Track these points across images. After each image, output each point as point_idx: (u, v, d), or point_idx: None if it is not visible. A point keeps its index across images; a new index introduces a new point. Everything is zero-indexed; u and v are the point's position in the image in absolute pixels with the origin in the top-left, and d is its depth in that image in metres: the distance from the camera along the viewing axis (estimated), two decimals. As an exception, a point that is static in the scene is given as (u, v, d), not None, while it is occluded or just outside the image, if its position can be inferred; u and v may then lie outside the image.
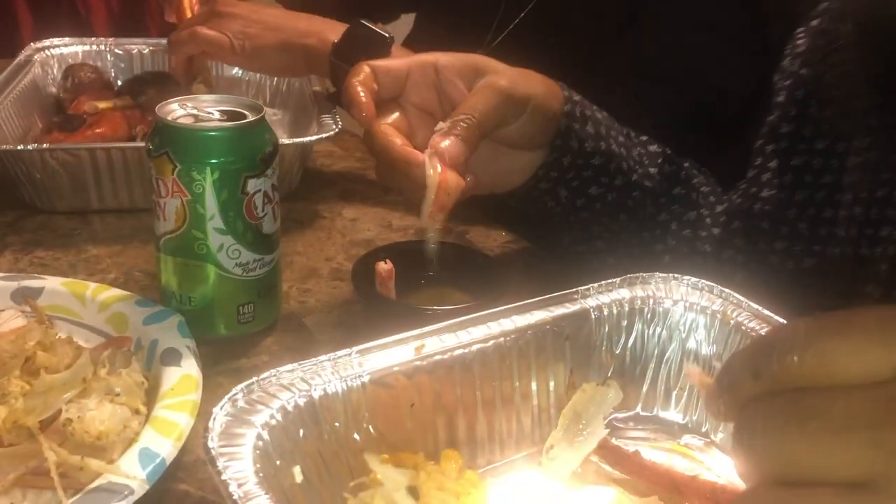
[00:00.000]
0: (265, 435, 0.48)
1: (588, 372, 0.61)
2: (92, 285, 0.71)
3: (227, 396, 0.49)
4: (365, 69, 0.71)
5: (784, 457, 0.31)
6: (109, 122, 1.02)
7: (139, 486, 0.51)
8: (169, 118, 0.65)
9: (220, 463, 0.45)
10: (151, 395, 0.59)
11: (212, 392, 0.62)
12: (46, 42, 1.21)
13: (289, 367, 0.52)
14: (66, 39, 1.23)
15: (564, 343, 0.60)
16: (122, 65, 1.25)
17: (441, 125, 0.68)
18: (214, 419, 0.47)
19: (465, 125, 0.67)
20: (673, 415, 0.63)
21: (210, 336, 0.69)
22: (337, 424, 0.52)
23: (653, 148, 0.83)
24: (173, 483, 0.56)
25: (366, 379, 0.53)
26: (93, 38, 1.25)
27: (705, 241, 0.81)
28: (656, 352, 0.63)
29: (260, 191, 0.67)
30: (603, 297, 0.63)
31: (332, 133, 0.95)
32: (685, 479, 0.55)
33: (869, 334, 0.31)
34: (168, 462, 0.53)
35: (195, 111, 0.67)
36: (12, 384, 0.56)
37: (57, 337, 0.63)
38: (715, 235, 0.81)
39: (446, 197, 0.66)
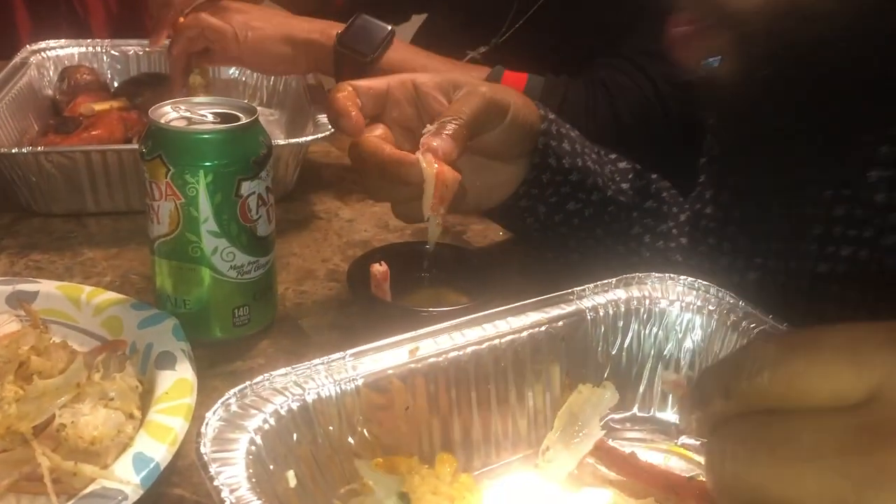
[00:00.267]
0: (258, 439, 0.48)
1: (584, 373, 0.61)
2: (87, 289, 0.71)
3: (220, 401, 0.49)
4: (347, 87, 0.72)
5: (754, 482, 0.31)
6: (105, 124, 1.02)
7: (133, 491, 0.51)
8: (162, 121, 0.65)
9: (213, 468, 0.45)
10: (146, 399, 0.59)
11: (207, 395, 0.62)
12: (42, 44, 1.20)
13: (282, 370, 0.52)
14: (63, 41, 1.22)
15: (560, 344, 0.60)
16: (119, 66, 1.25)
17: (429, 127, 0.69)
18: (207, 424, 0.47)
19: (453, 125, 0.69)
20: (669, 416, 0.62)
21: (205, 339, 0.69)
22: (331, 428, 0.52)
23: (622, 165, 0.85)
24: (168, 488, 0.56)
25: (360, 382, 0.53)
26: (89, 40, 1.25)
27: (675, 251, 0.83)
28: (653, 352, 0.63)
29: (254, 193, 0.67)
30: (599, 297, 0.63)
31: (328, 133, 0.95)
32: (681, 480, 0.55)
33: (838, 355, 0.31)
34: (162, 467, 0.53)
35: (188, 114, 0.67)
36: (6, 389, 0.56)
37: (51, 341, 0.63)
38: (683, 245, 0.82)
39: (445, 189, 0.67)
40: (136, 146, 0.90)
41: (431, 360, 0.55)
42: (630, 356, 0.63)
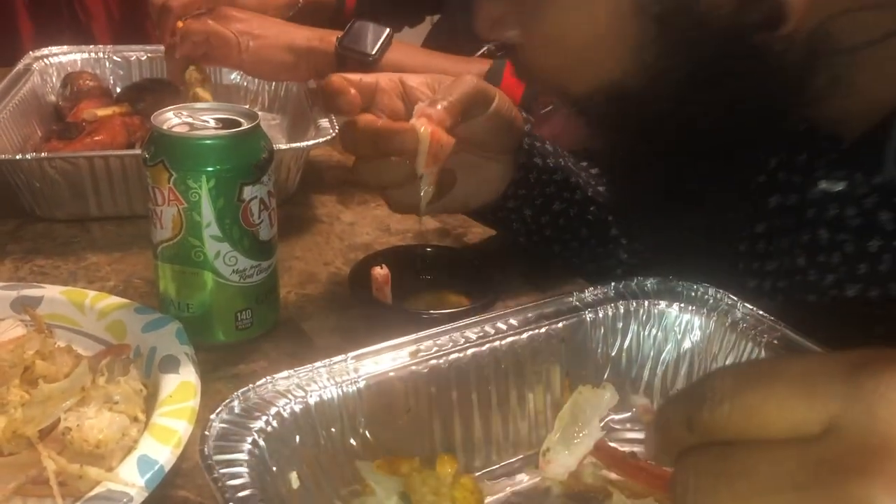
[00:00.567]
0: (261, 441, 0.49)
1: (584, 374, 0.61)
2: (91, 293, 0.72)
3: (223, 403, 0.49)
4: (341, 76, 0.73)
5: None
6: (108, 130, 1.02)
7: (138, 493, 0.51)
8: (164, 127, 0.66)
9: (217, 470, 0.45)
10: (150, 402, 0.60)
11: (210, 398, 0.62)
12: (45, 50, 1.21)
13: (284, 373, 0.52)
14: (65, 47, 1.23)
15: (560, 346, 0.61)
16: (121, 72, 1.26)
17: (421, 104, 0.69)
18: (210, 426, 0.48)
19: (445, 101, 0.70)
20: (669, 416, 0.63)
21: (208, 343, 0.70)
22: (333, 430, 0.52)
23: (594, 170, 0.88)
24: (172, 490, 0.56)
25: (361, 384, 0.53)
26: (91, 46, 1.26)
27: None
28: (652, 353, 0.63)
29: (256, 198, 0.67)
30: (598, 299, 0.63)
31: (329, 137, 0.95)
32: (681, 480, 0.55)
33: (793, 387, 0.31)
34: (167, 469, 0.54)
35: (190, 119, 0.68)
36: (11, 393, 0.57)
37: (56, 346, 0.64)
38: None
39: (439, 148, 0.68)
40: (138, 151, 0.90)
41: (432, 362, 0.56)
42: (630, 357, 0.63)
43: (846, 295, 0.62)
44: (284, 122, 1.20)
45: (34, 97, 1.12)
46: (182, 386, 0.60)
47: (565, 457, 0.58)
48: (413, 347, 0.56)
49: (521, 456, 0.59)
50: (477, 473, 0.57)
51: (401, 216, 0.97)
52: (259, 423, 0.49)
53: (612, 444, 0.59)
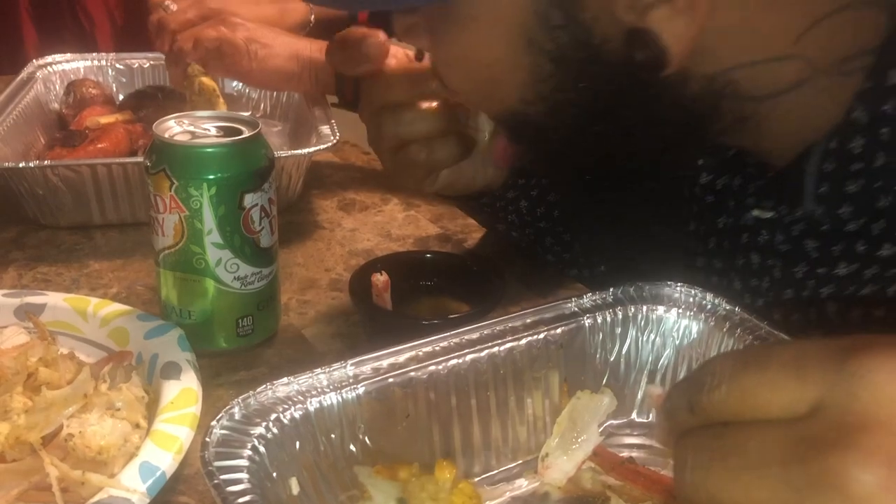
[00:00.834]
0: (261, 448, 0.49)
1: (583, 380, 0.62)
2: (94, 300, 0.72)
3: (223, 410, 0.50)
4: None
5: (710, 490, 0.34)
6: (111, 137, 1.03)
7: (140, 499, 0.52)
8: (166, 135, 0.66)
9: (218, 476, 0.46)
10: (152, 408, 0.60)
11: (212, 405, 0.63)
12: (49, 58, 1.22)
13: (284, 380, 0.53)
14: (68, 55, 1.24)
15: (558, 351, 0.61)
16: (124, 79, 1.27)
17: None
18: (211, 433, 0.48)
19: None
20: (668, 421, 0.63)
21: (210, 349, 0.70)
22: (333, 436, 0.53)
23: None
24: (174, 496, 0.57)
25: (360, 391, 0.54)
26: (94, 54, 1.27)
27: None
28: (650, 359, 0.64)
29: (257, 205, 0.68)
30: (597, 304, 0.63)
31: (330, 144, 0.96)
32: (679, 484, 0.56)
33: (785, 370, 0.34)
34: (168, 475, 0.54)
35: (192, 128, 0.68)
36: (14, 400, 0.57)
37: (59, 353, 0.64)
38: None
39: None
40: (140, 159, 0.91)
41: (431, 368, 0.56)
42: (628, 362, 0.64)
43: (773, 318, 0.63)
44: (286, 129, 1.20)
45: (38, 105, 1.13)
46: (183, 392, 0.61)
47: (564, 462, 0.58)
48: (412, 353, 0.56)
49: (519, 461, 0.59)
50: (476, 479, 0.57)
51: (402, 222, 0.98)
52: (259, 430, 0.50)
53: (611, 449, 0.60)
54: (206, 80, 1.00)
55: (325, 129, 0.99)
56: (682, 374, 0.63)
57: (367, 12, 1.38)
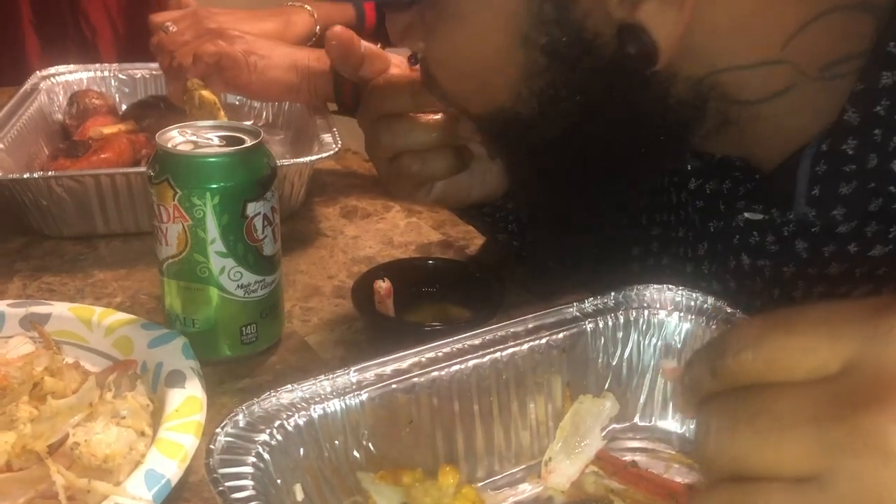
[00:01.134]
0: (266, 455, 0.49)
1: (585, 384, 0.62)
2: (98, 310, 0.73)
3: (228, 417, 0.50)
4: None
5: (735, 453, 0.32)
6: (114, 147, 1.04)
7: (145, 507, 0.52)
8: (168, 145, 0.67)
9: (223, 484, 0.46)
10: (157, 416, 0.61)
11: (217, 412, 0.63)
12: (52, 70, 1.23)
13: (288, 387, 0.53)
14: (71, 66, 1.25)
15: (561, 356, 0.61)
16: (127, 90, 1.28)
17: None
18: (216, 440, 0.49)
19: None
20: (671, 424, 0.63)
21: (214, 357, 0.70)
22: (336, 443, 0.53)
23: None
24: (179, 503, 0.57)
25: (364, 397, 0.54)
26: (97, 65, 1.27)
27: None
28: (653, 362, 0.64)
29: (260, 214, 0.68)
30: (599, 308, 0.64)
31: (332, 152, 0.96)
32: (682, 488, 0.56)
33: (816, 329, 0.33)
34: (173, 483, 0.55)
35: (194, 137, 0.69)
36: (21, 410, 0.58)
37: (64, 362, 0.65)
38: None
39: None
40: (143, 168, 0.92)
41: (434, 374, 0.57)
42: (630, 366, 0.64)
43: None
44: (288, 137, 1.21)
45: (41, 116, 1.14)
46: (188, 400, 0.61)
47: (567, 466, 0.59)
48: (415, 359, 0.57)
49: (523, 466, 0.60)
50: (479, 484, 0.57)
51: (404, 229, 0.99)
52: (263, 437, 0.50)
53: (614, 453, 0.60)
54: (206, 93, 1.00)
55: (327, 137, 1.00)
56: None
57: (374, 20, 1.39)
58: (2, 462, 0.55)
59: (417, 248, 0.95)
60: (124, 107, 1.25)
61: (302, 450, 0.52)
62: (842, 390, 0.31)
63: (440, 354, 0.58)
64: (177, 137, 0.68)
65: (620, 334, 0.64)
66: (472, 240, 0.96)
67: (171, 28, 1.08)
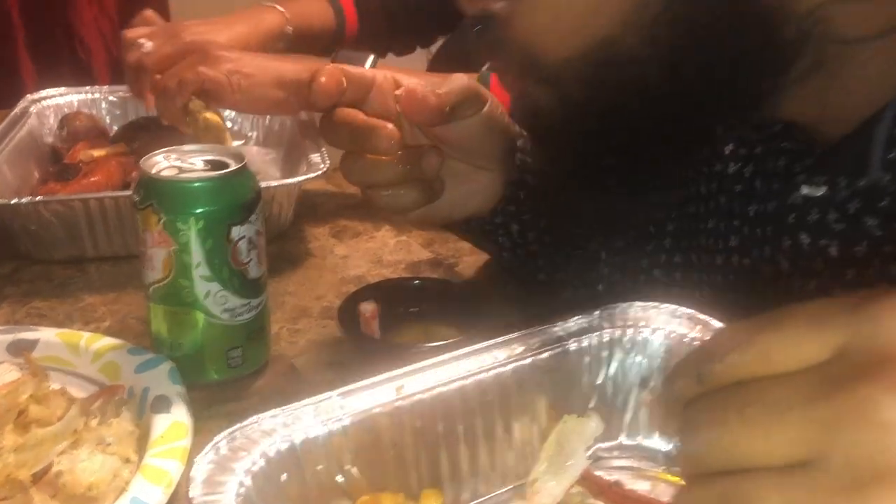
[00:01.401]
0: (248, 481, 0.49)
1: (570, 403, 0.62)
2: (86, 335, 0.73)
3: (209, 444, 0.50)
4: (336, 68, 0.73)
5: (726, 444, 0.32)
6: (104, 170, 1.04)
7: (129, 534, 0.52)
8: (153, 171, 0.67)
9: (205, 511, 0.46)
10: (143, 442, 0.61)
11: (203, 437, 0.63)
12: (43, 93, 1.23)
13: (271, 412, 0.53)
14: (62, 89, 1.25)
15: (545, 376, 0.61)
16: (118, 111, 1.28)
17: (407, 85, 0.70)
18: (197, 468, 0.49)
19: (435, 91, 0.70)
20: (656, 442, 0.63)
21: (201, 381, 0.71)
22: (319, 468, 0.53)
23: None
24: (164, 530, 0.57)
25: (347, 422, 0.54)
26: (87, 87, 1.28)
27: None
28: (638, 381, 0.64)
29: (244, 237, 0.68)
30: (583, 327, 0.64)
31: (321, 172, 0.97)
32: (667, 507, 0.56)
33: (804, 324, 0.33)
34: (158, 510, 0.55)
35: (179, 162, 0.69)
36: (5, 438, 0.58)
37: (50, 389, 0.65)
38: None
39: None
40: (121, 195, 0.92)
41: (418, 396, 0.57)
42: (616, 385, 0.64)
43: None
44: (279, 156, 1.21)
45: (32, 139, 1.14)
46: (174, 426, 0.61)
47: (552, 487, 0.58)
48: (399, 382, 0.57)
49: (508, 487, 0.60)
50: (465, 506, 0.58)
51: (393, 248, 0.99)
52: (246, 463, 0.50)
53: (599, 473, 0.60)
54: (210, 115, 1.01)
55: (315, 157, 1.00)
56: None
57: (356, 21, 1.38)
58: (-14, 491, 0.55)
59: (407, 267, 0.95)
60: (115, 128, 1.25)
61: (285, 475, 0.52)
62: (832, 373, 0.31)
63: (423, 376, 0.58)
64: (161, 163, 0.69)
65: (605, 353, 0.64)
66: (462, 257, 0.97)
67: (147, 45, 1.08)
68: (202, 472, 0.48)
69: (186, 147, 0.71)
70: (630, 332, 0.64)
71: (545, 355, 0.62)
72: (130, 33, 1.12)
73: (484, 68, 1.08)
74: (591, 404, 0.63)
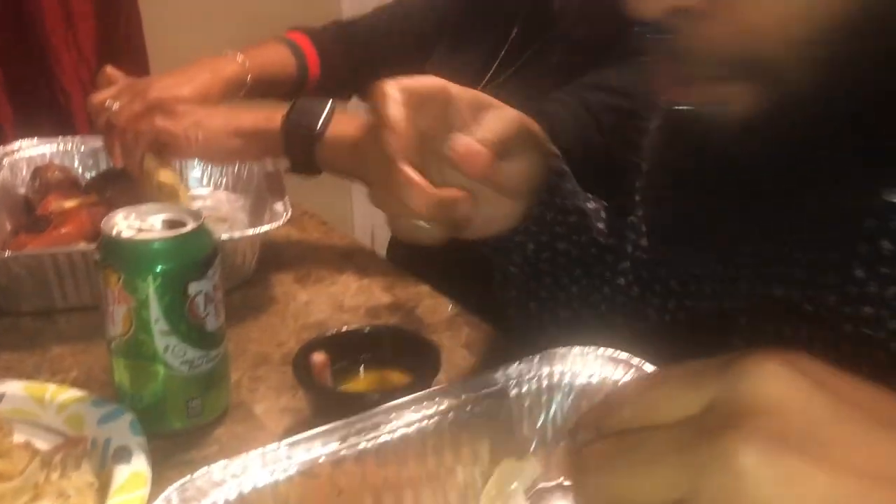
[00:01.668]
0: (196, 532, 0.52)
1: (510, 448, 0.65)
2: (51, 387, 0.76)
3: (161, 497, 0.53)
4: (398, 90, 0.65)
5: (613, 489, 0.36)
6: (75, 221, 1.07)
7: (86, 584, 0.55)
8: (112, 232, 0.70)
9: (153, 562, 0.49)
10: (103, 494, 0.64)
11: (163, 487, 0.65)
12: (15, 144, 1.26)
13: (221, 462, 0.56)
14: (35, 140, 1.28)
15: (486, 421, 0.65)
16: (90, 161, 1.31)
17: (460, 138, 0.66)
18: (148, 520, 0.52)
19: (486, 136, 0.67)
20: (594, 482, 0.66)
21: (163, 431, 0.74)
22: (266, 516, 0.56)
23: (591, 205, 0.86)
24: (122, 578, 0.60)
25: (293, 471, 0.57)
26: (60, 137, 1.31)
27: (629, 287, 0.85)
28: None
29: (202, 292, 0.72)
30: (523, 373, 0.67)
31: (280, 222, 0.99)
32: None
33: (683, 381, 0.37)
34: (115, 559, 0.58)
35: (138, 222, 0.73)
36: (-31, 494, 0.61)
37: (14, 443, 0.68)
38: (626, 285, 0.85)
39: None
40: (91, 248, 0.95)
41: (363, 444, 0.60)
42: (555, 428, 0.67)
43: None
44: (247, 203, 1.24)
45: (5, 191, 1.17)
46: (133, 476, 0.64)
47: (493, 529, 0.62)
48: (344, 431, 0.60)
49: (451, 530, 0.63)
50: (409, 549, 0.60)
51: (355, 292, 1.02)
52: (195, 514, 0.53)
53: (538, 514, 0.63)
54: (164, 174, 1.04)
55: (278, 206, 1.04)
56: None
57: (318, 72, 1.41)
58: (-51, 547, 0.58)
59: (367, 311, 0.98)
60: (89, 177, 1.28)
61: (232, 525, 0.54)
62: (702, 424, 0.35)
63: (368, 425, 0.61)
64: (120, 223, 0.72)
65: (544, 398, 0.67)
66: (421, 301, 1.00)
67: (114, 105, 1.11)
68: (152, 523, 0.51)
69: (146, 207, 0.75)
70: (568, 376, 0.68)
71: (487, 401, 0.65)
72: (96, 98, 1.15)
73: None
74: (532, 447, 0.66)
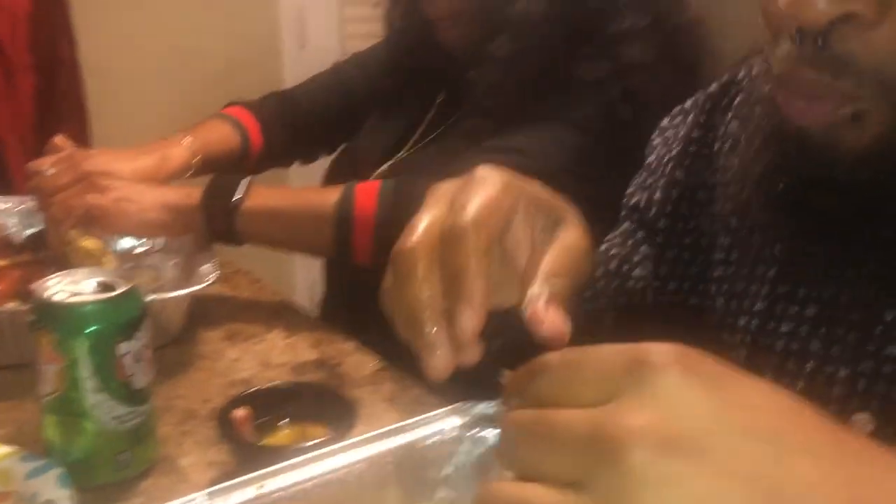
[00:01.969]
0: (119, 578, 0.56)
1: (419, 497, 0.71)
2: (-19, 444, 0.79)
3: (85, 546, 0.57)
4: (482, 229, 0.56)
5: (524, 461, 0.41)
6: (7, 280, 1.10)
7: None
8: (45, 295, 0.75)
9: None
10: (29, 546, 0.67)
11: (91, 538, 0.70)
12: (-48, 205, 1.29)
13: (144, 514, 0.60)
14: (-26, 198, 1.31)
15: (395, 471, 0.70)
16: (28, 220, 1.34)
17: (534, 289, 0.58)
18: (72, 568, 0.55)
19: (558, 288, 0.59)
20: (498, 526, 0.72)
21: (92, 484, 0.77)
22: (184, 565, 0.60)
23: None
24: None
25: (210, 521, 0.61)
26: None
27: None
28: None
29: (130, 352, 0.76)
30: (433, 425, 0.73)
31: (207, 283, 1.03)
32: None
33: (597, 369, 0.41)
34: None
35: (71, 286, 0.77)
36: None
37: (-56, 499, 0.70)
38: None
39: None
40: (22, 307, 0.98)
41: (278, 493, 0.65)
42: (465, 476, 0.73)
43: None
44: (182, 261, 1.28)
45: (-62, 249, 1.20)
46: (60, 528, 0.68)
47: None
48: (259, 483, 0.64)
49: (363, 575, 0.67)
50: (321, 592, 0.65)
51: (282, 349, 1.07)
52: (117, 562, 0.57)
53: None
54: (87, 243, 1.08)
55: (206, 267, 1.07)
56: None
57: (260, 145, 1.47)
58: None
59: (293, 368, 1.03)
60: (26, 235, 1.31)
61: (153, 571, 0.59)
62: (605, 417, 0.39)
63: (284, 476, 0.66)
64: (53, 287, 0.76)
65: (454, 447, 0.73)
66: (345, 358, 1.05)
67: (49, 171, 1.14)
68: (77, 570, 0.55)
69: (79, 270, 0.79)
70: (477, 429, 0.73)
71: (399, 452, 0.70)
72: (35, 164, 1.18)
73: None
74: (442, 493, 0.72)
